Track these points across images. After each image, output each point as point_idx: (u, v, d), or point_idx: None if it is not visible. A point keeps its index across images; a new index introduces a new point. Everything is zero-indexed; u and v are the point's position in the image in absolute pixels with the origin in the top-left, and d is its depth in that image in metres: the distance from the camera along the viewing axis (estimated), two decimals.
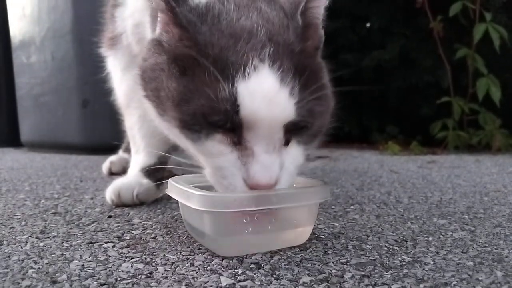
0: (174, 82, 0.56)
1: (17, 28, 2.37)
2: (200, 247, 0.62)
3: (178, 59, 0.57)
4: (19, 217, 0.82)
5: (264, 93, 0.52)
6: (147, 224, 0.76)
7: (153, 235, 0.68)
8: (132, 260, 0.57)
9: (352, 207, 0.91)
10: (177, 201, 0.64)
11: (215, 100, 0.52)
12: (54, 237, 0.68)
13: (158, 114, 0.61)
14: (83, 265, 0.55)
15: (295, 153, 0.60)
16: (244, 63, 0.53)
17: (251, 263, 0.56)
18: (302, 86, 0.55)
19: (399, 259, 0.58)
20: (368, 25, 2.87)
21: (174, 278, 0.51)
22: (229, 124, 0.54)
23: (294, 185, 0.69)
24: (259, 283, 0.49)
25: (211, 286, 0.49)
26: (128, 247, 0.62)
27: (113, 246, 0.63)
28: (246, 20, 0.57)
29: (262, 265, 0.55)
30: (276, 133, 0.55)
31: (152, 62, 0.61)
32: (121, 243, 0.65)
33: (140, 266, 0.55)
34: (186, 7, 0.56)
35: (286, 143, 0.58)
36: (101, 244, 0.64)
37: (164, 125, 0.62)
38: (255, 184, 0.55)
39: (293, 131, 0.57)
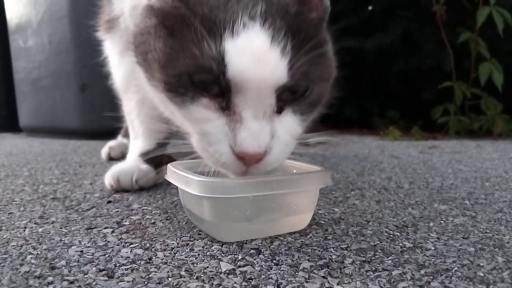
0: (160, 43, 0.55)
1: (14, 11, 2.34)
2: (200, 232, 0.62)
3: (167, 20, 0.55)
4: (18, 202, 0.81)
5: (253, 51, 0.50)
6: (146, 209, 0.75)
7: (152, 221, 0.68)
8: (132, 245, 0.57)
9: (352, 192, 0.91)
10: (177, 186, 0.63)
11: (201, 58, 0.50)
12: (53, 222, 0.68)
13: (147, 79, 0.60)
14: (82, 251, 0.55)
15: (290, 121, 0.56)
16: (233, 21, 0.50)
17: (251, 249, 0.55)
18: (296, 46, 0.52)
19: (400, 244, 0.58)
20: (370, 7, 2.83)
21: (174, 264, 0.50)
22: (216, 87, 0.52)
23: (294, 171, 0.68)
24: (259, 269, 0.49)
25: (211, 271, 0.48)
26: (127, 233, 0.62)
27: (112, 232, 0.63)
28: None
29: (262, 250, 0.55)
30: (267, 98, 0.52)
31: (142, 26, 0.60)
32: (121, 228, 0.64)
33: (140, 251, 0.55)
34: None
35: (279, 111, 0.55)
36: (100, 230, 0.64)
37: (152, 90, 0.61)
38: (242, 152, 0.52)
39: (288, 99, 0.55)
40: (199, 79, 0.52)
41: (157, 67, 0.55)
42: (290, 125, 0.56)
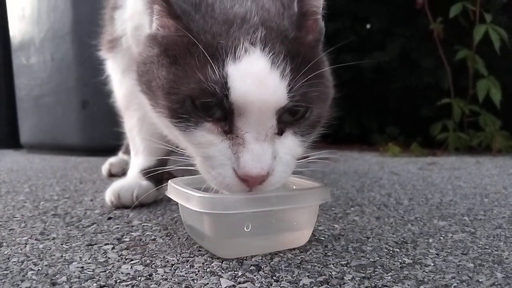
0: (164, 71, 0.57)
1: (17, 29, 2.37)
2: (200, 249, 0.62)
3: (169, 49, 0.57)
4: (18, 218, 0.82)
5: (255, 74, 0.52)
6: (146, 226, 0.75)
7: (152, 237, 0.68)
8: (132, 262, 0.57)
9: (352, 208, 0.91)
10: (177, 202, 0.63)
11: (205, 83, 0.52)
12: (53, 238, 0.68)
13: (151, 106, 0.62)
14: (82, 267, 0.55)
15: (291, 143, 0.58)
16: (235, 46, 0.53)
17: (251, 265, 0.56)
18: (295, 69, 0.54)
19: (400, 261, 0.58)
20: (368, 25, 2.87)
21: (174, 280, 0.51)
22: (219, 110, 0.53)
23: (294, 187, 0.69)
24: (259, 285, 0.49)
25: None
26: (127, 249, 0.62)
27: (113, 248, 0.63)
28: (239, 8, 0.57)
29: (262, 267, 0.55)
30: (268, 120, 0.54)
31: (145, 56, 0.62)
32: (121, 245, 0.64)
33: (140, 268, 0.55)
34: None
35: (280, 133, 0.56)
36: (101, 246, 0.64)
37: (156, 117, 0.62)
38: (245, 175, 0.53)
39: (288, 121, 0.56)
40: (203, 103, 0.53)
41: (161, 94, 0.57)
42: (291, 146, 0.58)
